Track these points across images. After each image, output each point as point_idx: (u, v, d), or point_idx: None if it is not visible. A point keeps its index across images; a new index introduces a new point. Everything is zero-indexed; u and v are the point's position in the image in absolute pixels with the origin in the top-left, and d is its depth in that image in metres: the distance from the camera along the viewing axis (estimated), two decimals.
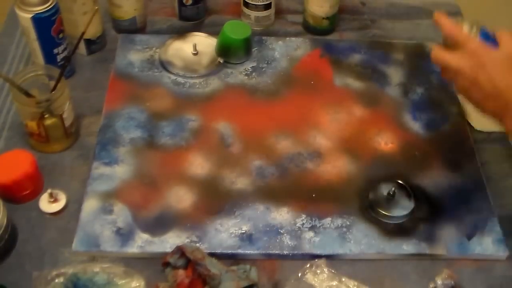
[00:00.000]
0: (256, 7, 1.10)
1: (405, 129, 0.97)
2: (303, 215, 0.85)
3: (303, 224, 0.84)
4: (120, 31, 1.09)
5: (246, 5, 1.10)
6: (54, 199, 0.85)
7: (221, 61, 1.04)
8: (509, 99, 0.72)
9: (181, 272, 0.77)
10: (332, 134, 0.95)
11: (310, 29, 1.13)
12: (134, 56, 1.05)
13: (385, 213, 0.84)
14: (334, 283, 0.77)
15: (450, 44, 0.77)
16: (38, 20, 0.91)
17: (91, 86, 1.02)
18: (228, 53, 1.04)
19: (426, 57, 1.08)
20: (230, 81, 1.02)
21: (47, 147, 0.91)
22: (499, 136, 0.98)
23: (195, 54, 1.05)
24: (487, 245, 0.83)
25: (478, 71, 0.73)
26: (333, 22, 1.12)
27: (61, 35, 0.96)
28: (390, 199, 0.85)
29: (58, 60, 0.97)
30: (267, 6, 1.10)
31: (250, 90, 1.01)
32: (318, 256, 0.80)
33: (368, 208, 0.86)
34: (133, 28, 1.09)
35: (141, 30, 1.11)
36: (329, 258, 0.80)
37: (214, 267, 0.75)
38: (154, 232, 0.82)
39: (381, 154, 0.93)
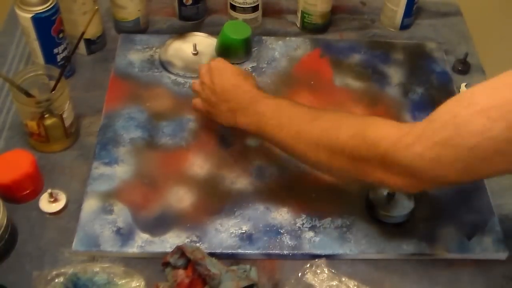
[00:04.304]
0: (243, 10, 1.10)
1: None
2: (303, 215, 0.85)
3: (303, 224, 0.84)
4: (123, 32, 1.09)
5: (234, 8, 1.10)
6: (54, 199, 0.85)
7: None
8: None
9: (181, 272, 0.77)
10: None
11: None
12: (134, 56, 1.05)
13: (385, 213, 0.84)
14: (334, 283, 0.77)
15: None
16: (38, 20, 0.91)
17: (91, 86, 1.02)
18: (228, 53, 1.03)
19: (426, 57, 1.09)
20: None
21: (47, 147, 0.91)
22: None
23: (195, 54, 1.05)
24: (487, 245, 0.83)
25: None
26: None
27: (61, 35, 0.96)
28: (390, 199, 0.85)
29: (58, 60, 0.97)
30: (255, 9, 1.10)
31: None
32: (318, 256, 0.80)
33: (368, 208, 0.86)
34: (137, 29, 1.10)
35: (144, 31, 1.11)
36: (329, 258, 0.80)
37: (214, 267, 0.75)
38: (154, 232, 0.82)
39: None
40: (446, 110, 0.64)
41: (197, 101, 0.90)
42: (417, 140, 0.65)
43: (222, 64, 0.87)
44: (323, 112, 0.79)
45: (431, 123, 0.65)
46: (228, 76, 0.85)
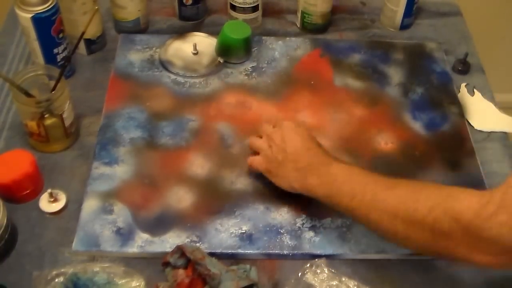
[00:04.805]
0: (243, 10, 1.10)
1: (405, 128, 0.97)
2: (303, 215, 0.85)
3: (303, 224, 0.84)
4: (123, 32, 1.09)
5: (234, 8, 1.10)
6: (54, 199, 0.85)
7: (221, 61, 1.04)
8: (306, 160, 0.80)
9: (181, 272, 0.77)
10: (332, 134, 0.95)
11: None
12: (134, 56, 1.05)
13: None
14: (334, 283, 0.77)
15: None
16: (38, 20, 0.91)
17: (91, 86, 1.02)
18: (228, 53, 1.04)
19: (426, 57, 1.09)
20: (230, 81, 1.02)
21: (47, 147, 0.91)
22: (499, 136, 0.98)
23: (195, 54, 1.05)
24: None
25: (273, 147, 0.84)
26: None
27: (61, 35, 0.96)
28: None
29: (58, 60, 0.97)
30: (255, 9, 1.10)
31: (250, 90, 1.01)
32: (318, 256, 0.80)
33: None
34: (137, 29, 1.10)
35: (144, 31, 1.11)
36: (329, 258, 0.80)
37: (214, 267, 0.75)
38: (154, 232, 0.82)
39: (381, 153, 0.93)
40: None
41: (256, 159, 0.86)
42: (499, 208, 0.60)
43: (295, 125, 0.84)
44: (398, 181, 0.74)
45: (510, 188, 0.61)
46: (302, 138, 0.82)
